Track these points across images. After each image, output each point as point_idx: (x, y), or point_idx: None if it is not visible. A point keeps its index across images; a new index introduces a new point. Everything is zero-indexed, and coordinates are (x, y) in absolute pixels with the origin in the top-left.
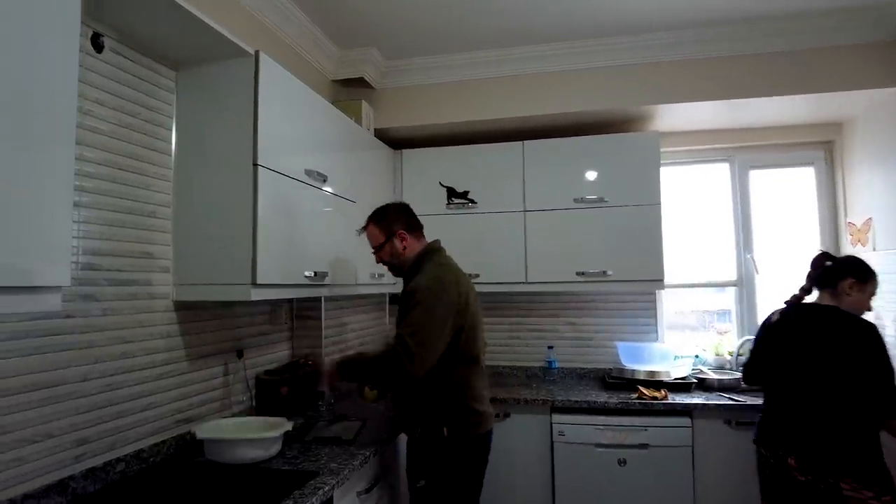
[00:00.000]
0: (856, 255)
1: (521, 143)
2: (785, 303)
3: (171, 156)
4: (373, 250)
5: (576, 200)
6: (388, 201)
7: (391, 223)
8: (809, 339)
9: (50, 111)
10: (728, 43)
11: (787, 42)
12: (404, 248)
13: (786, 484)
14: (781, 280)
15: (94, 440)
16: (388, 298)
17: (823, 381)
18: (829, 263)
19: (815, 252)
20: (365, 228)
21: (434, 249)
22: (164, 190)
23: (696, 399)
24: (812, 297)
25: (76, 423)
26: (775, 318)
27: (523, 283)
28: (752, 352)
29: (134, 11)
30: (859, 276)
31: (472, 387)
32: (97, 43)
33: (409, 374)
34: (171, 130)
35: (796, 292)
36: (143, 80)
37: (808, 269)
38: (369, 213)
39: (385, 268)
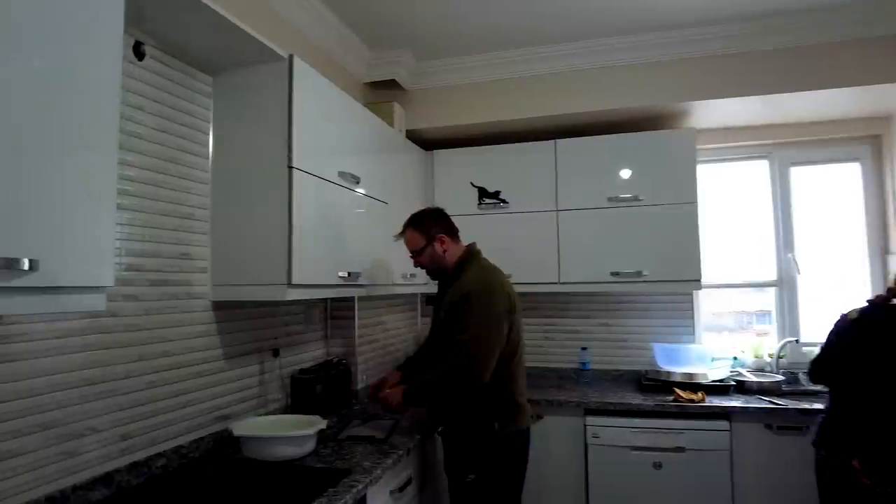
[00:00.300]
0: None
1: (552, 142)
2: (868, 301)
3: (208, 159)
4: (411, 255)
5: (609, 199)
6: (420, 202)
7: (430, 227)
8: (892, 341)
9: (95, 118)
10: (764, 36)
11: (829, 33)
12: (444, 251)
13: (848, 487)
14: (824, 280)
15: (137, 435)
16: (420, 299)
17: None
18: None
19: None
20: (402, 234)
21: (474, 252)
22: (202, 192)
23: (735, 402)
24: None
25: (120, 418)
26: (854, 316)
27: (556, 283)
28: (826, 349)
29: (173, 18)
30: None
31: (518, 382)
32: (139, 51)
33: (477, 381)
34: (208, 134)
35: (882, 292)
36: (181, 86)
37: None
38: (402, 214)
39: (418, 269)
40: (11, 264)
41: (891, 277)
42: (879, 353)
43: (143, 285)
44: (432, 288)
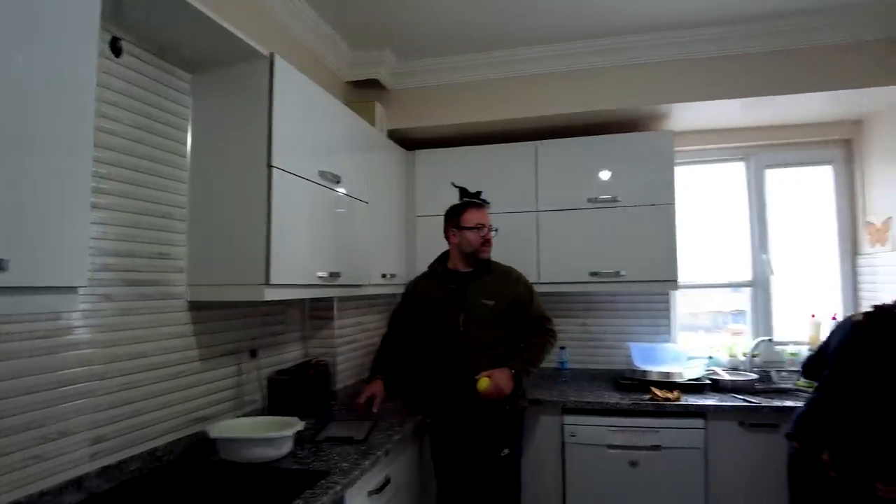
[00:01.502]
0: (875, 255)
1: (533, 143)
2: (873, 307)
3: (186, 157)
4: (494, 230)
5: (589, 200)
6: (400, 202)
7: None
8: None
9: (69, 114)
10: (742, 40)
11: (806, 38)
12: None
13: (816, 480)
14: (797, 280)
15: (110, 438)
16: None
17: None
18: None
19: None
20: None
21: None
22: (180, 191)
23: (710, 400)
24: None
25: (94, 421)
26: (858, 318)
27: (536, 283)
28: (822, 347)
29: (151, 15)
30: None
31: None
32: (116, 47)
33: None
34: (186, 132)
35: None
36: (159, 83)
37: None
38: (382, 213)
39: (396, 268)
40: None
41: None
42: (872, 357)
43: (118, 285)
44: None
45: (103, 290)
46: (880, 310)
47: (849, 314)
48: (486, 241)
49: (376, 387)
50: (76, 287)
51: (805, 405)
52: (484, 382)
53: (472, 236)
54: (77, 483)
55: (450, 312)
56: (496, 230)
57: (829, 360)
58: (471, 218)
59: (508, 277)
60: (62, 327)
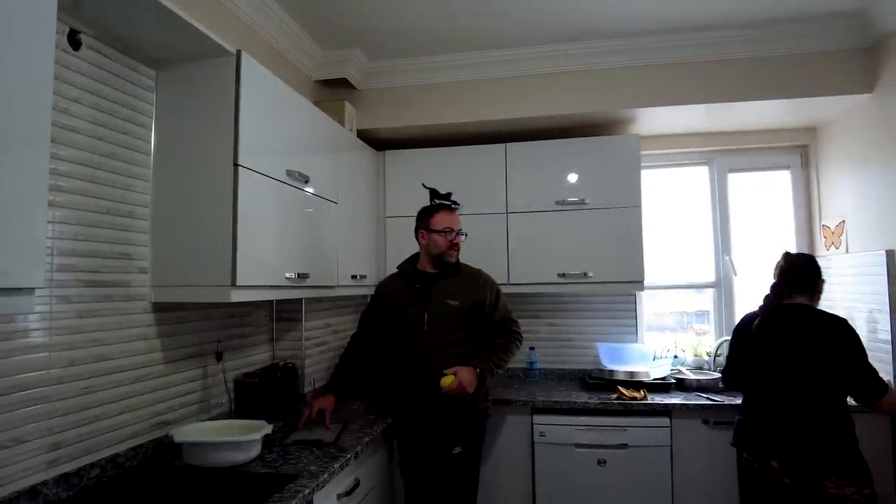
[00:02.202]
0: (829, 257)
1: (503, 145)
2: (765, 306)
3: (150, 155)
4: (463, 234)
5: (557, 203)
6: (370, 203)
7: None
8: (799, 340)
9: (24, 109)
10: (707, 48)
11: (766, 47)
12: None
13: (770, 487)
14: (759, 282)
15: (68, 444)
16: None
17: (814, 380)
18: (812, 265)
19: (791, 253)
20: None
21: None
22: (143, 190)
23: (675, 399)
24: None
25: (50, 427)
26: (752, 320)
27: (506, 284)
28: (733, 356)
29: (113, 8)
30: (822, 276)
31: None
32: (74, 39)
33: None
34: (150, 130)
35: (769, 293)
36: (121, 79)
37: (787, 271)
38: (352, 214)
39: (366, 269)
40: None
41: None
42: (787, 354)
43: (77, 286)
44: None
45: (61, 292)
46: (770, 308)
47: (743, 318)
48: (453, 245)
49: (327, 401)
50: (32, 288)
51: (740, 413)
52: (448, 379)
53: (440, 239)
54: (33, 492)
55: (414, 311)
56: (465, 235)
57: (746, 368)
58: (440, 221)
59: (475, 280)
60: (17, 330)
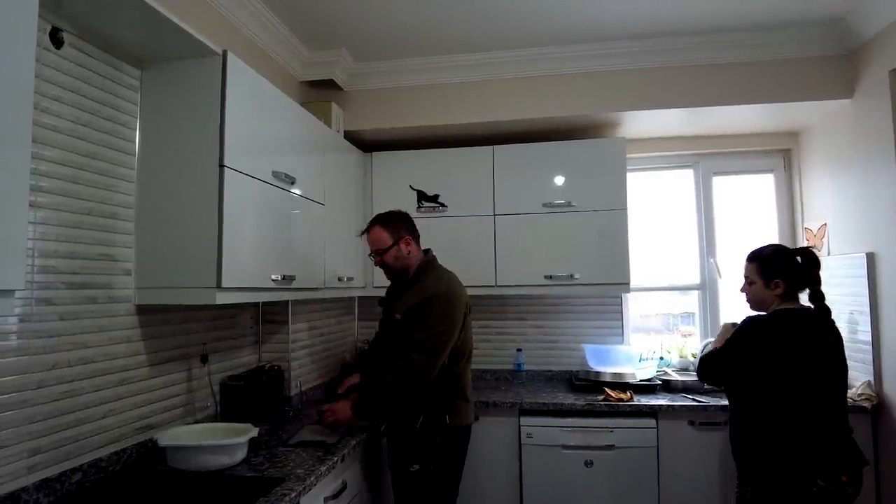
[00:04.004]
0: None
1: (491, 147)
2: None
3: (134, 156)
4: (375, 252)
5: (544, 205)
6: (357, 204)
7: (399, 228)
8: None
9: (4, 107)
10: (692, 52)
11: (749, 53)
12: (409, 252)
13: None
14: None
15: (49, 449)
16: (356, 302)
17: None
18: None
19: (787, 248)
20: (367, 231)
21: (434, 258)
22: (127, 191)
23: (661, 400)
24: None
25: (30, 431)
26: (779, 326)
27: (493, 286)
28: (740, 352)
29: (95, 6)
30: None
31: (467, 380)
32: (56, 38)
33: (426, 377)
34: (134, 130)
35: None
36: (105, 78)
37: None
38: (338, 215)
39: (353, 271)
40: None
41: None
42: (814, 364)
43: (58, 288)
44: (369, 292)
45: (43, 294)
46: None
47: (752, 316)
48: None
49: (353, 378)
50: (12, 290)
51: (784, 440)
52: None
53: None
54: (12, 498)
55: (382, 321)
56: (374, 257)
57: (774, 380)
58: None
59: (420, 288)
60: None
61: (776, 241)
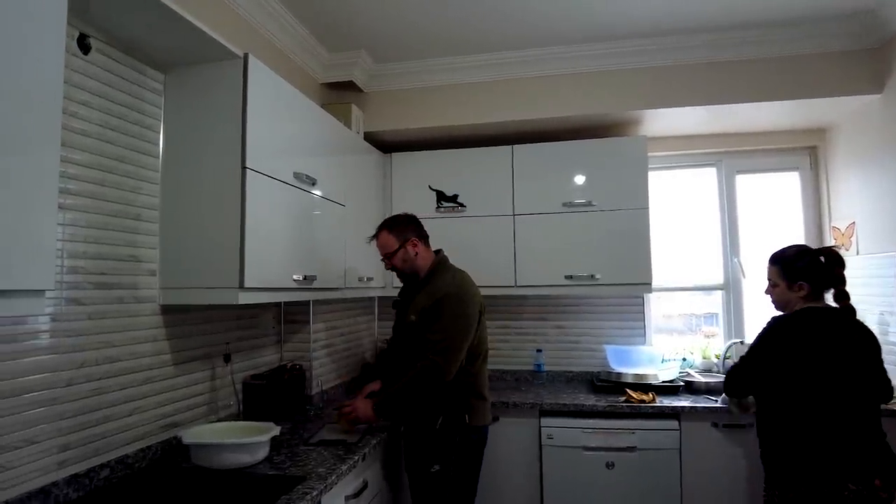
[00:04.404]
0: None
1: (510, 147)
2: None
3: (158, 158)
4: (384, 257)
5: (564, 204)
6: (377, 205)
7: (404, 231)
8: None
9: (35, 112)
10: (714, 49)
11: (773, 49)
12: (416, 254)
13: None
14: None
15: (78, 446)
16: (376, 302)
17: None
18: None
19: (812, 249)
20: (376, 236)
21: (445, 258)
22: (152, 192)
23: (684, 402)
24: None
25: (60, 428)
26: (800, 327)
27: (513, 286)
28: (768, 356)
29: (121, 12)
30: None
31: (484, 380)
32: (84, 44)
33: (443, 377)
34: (158, 133)
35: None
36: (130, 82)
37: (819, 269)
38: (359, 216)
39: (373, 271)
40: None
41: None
42: (841, 365)
43: (86, 289)
44: (389, 292)
45: (71, 294)
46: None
47: (776, 316)
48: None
49: (374, 384)
50: (43, 290)
51: (807, 447)
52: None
53: None
54: (44, 492)
55: (397, 322)
56: (385, 260)
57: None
58: None
59: (432, 288)
60: (27, 332)
61: (802, 241)
